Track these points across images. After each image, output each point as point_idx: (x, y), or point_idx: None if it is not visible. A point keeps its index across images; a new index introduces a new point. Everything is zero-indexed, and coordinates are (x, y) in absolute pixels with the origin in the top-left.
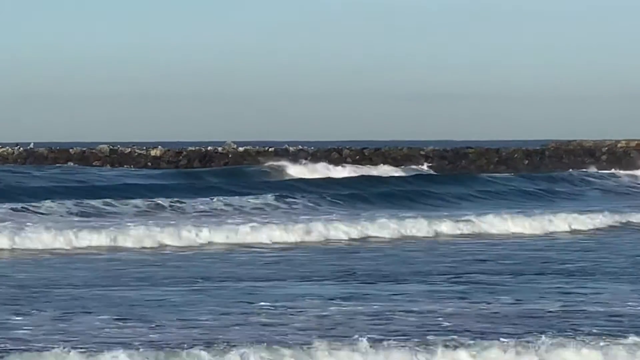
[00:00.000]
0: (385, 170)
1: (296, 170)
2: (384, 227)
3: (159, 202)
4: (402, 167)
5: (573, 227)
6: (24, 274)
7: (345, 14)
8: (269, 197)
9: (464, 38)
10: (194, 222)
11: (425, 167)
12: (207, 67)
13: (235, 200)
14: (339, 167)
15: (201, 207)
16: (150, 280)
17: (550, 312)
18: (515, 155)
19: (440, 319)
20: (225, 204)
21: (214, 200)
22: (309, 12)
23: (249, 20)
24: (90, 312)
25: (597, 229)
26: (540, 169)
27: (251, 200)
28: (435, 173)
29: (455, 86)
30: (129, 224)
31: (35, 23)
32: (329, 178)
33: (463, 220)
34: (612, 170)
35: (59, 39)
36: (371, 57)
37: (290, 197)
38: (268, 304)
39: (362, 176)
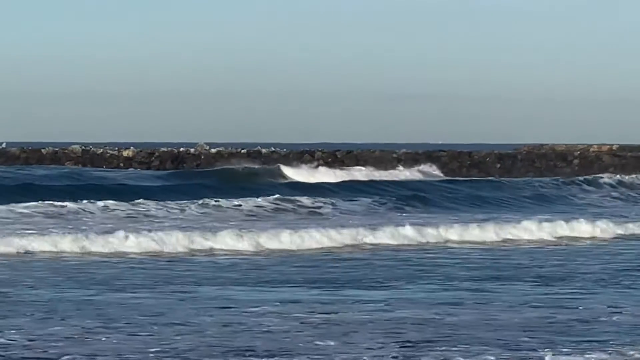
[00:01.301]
0: (395, 173)
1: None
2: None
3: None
4: (417, 169)
5: None
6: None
7: (320, 14)
8: (367, 201)
9: (436, 40)
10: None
11: (438, 171)
12: (181, 67)
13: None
14: (342, 171)
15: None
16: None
17: None
18: (488, 159)
19: None
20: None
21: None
22: (285, 12)
23: (221, 20)
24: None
25: None
26: (512, 172)
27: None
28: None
29: (426, 88)
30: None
31: (7, 22)
32: (351, 181)
33: None
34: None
35: (29, 37)
36: (344, 57)
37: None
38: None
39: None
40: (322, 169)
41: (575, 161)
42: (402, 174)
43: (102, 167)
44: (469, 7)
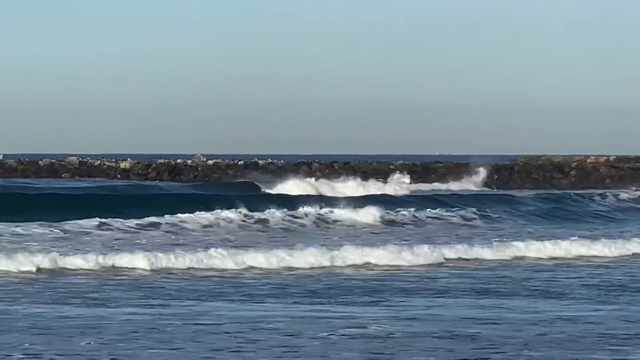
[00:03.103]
0: (436, 186)
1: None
2: None
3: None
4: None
5: None
6: None
7: (314, 25)
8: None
9: (431, 50)
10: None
11: (476, 184)
12: (177, 79)
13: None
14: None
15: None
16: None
17: None
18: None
19: None
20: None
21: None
22: (278, 23)
23: (216, 32)
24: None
25: None
26: (509, 184)
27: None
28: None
29: (421, 99)
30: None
31: (3, 35)
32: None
33: None
34: None
35: (27, 50)
36: (338, 68)
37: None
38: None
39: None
40: (369, 182)
41: (573, 172)
42: (449, 185)
43: (100, 179)
44: (463, 18)
